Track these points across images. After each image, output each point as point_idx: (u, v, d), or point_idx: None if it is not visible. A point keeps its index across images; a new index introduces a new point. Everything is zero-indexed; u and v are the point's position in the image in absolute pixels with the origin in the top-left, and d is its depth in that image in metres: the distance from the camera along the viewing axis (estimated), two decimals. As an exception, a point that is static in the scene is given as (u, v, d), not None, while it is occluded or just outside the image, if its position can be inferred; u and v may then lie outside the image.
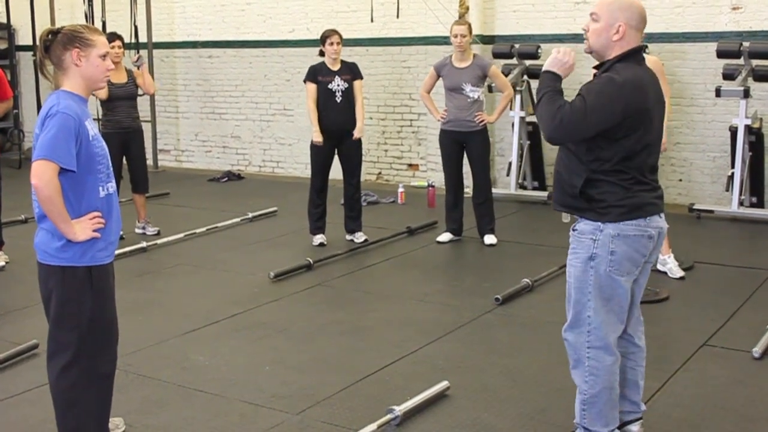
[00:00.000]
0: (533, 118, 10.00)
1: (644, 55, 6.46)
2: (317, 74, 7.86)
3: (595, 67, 3.84)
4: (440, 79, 7.92)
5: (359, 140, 8.04)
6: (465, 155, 7.95)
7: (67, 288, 3.69)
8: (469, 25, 7.86)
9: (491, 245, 7.87)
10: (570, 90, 3.68)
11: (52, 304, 3.74)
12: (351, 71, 7.96)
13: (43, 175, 3.51)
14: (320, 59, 7.94)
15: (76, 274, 3.67)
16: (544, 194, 9.72)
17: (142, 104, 8.61)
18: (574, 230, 3.83)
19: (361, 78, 8.04)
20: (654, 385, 4.74)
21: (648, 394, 4.60)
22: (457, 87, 7.72)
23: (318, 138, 7.81)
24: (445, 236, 8.04)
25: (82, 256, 3.66)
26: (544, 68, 3.77)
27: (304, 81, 7.94)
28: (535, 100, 3.79)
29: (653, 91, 3.76)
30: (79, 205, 3.65)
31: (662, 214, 3.83)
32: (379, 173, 11.38)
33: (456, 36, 7.70)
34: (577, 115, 3.57)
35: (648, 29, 6.83)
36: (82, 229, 3.63)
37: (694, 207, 8.96)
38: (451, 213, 8.06)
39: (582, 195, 3.72)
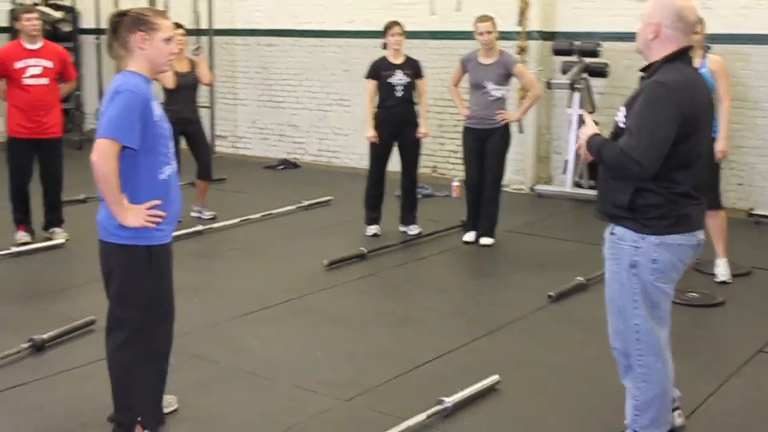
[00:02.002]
0: (592, 117, 9.92)
1: (708, 54, 6.42)
2: (379, 69, 7.86)
3: (641, 70, 3.75)
4: (466, 73, 7.80)
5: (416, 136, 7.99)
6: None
7: (126, 266, 3.76)
8: (493, 21, 7.63)
9: (486, 246, 7.72)
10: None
11: (112, 282, 3.82)
12: (413, 68, 7.94)
13: (102, 152, 3.57)
14: (382, 53, 7.95)
15: (136, 252, 3.73)
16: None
17: (201, 90, 8.69)
18: (612, 234, 3.73)
19: (423, 76, 8.01)
20: (707, 390, 4.69)
21: (700, 399, 4.57)
22: (480, 84, 7.60)
23: (371, 133, 7.83)
24: (471, 235, 7.83)
25: (142, 235, 3.72)
26: (584, 139, 3.71)
27: (365, 77, 7.95)
28: (602, 161, 3.67)
29: (703, 95, 3.67)
30: (139, 185, 3.70)
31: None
32: (435, 167, 11.37)
33: (482, 33, 7.54)
34: (643, 142, 3.45)
35: (711, 30, 6.82)
36: (135, 215, 3.67)
37: (754, 212, 8.83)
38: (476, 213, 7.83)
39: (628, 204, 3.62)
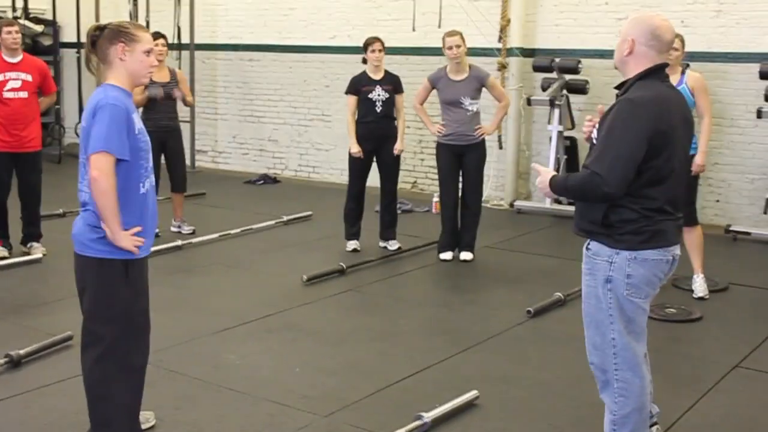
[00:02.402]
0: (570, 133, 9.99)
1: (688, 71, 6.47)
2: (359, 85, 7.88)
3: (616, 87, 3.76)
4: (434, 91, 7.78)
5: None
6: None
7: (102, 280, 3.74)
8: (462, 35, 7.61)
9: (466, 261, 7.75)
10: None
11: (87, 296, 3.79)
12: (393, 83, 7.96)
13: (101, 167, 3.56)
14: (362, 68, 7.97)
15: (112, 266, 3.71)
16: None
17: (182, 104, 8.69)
18: (588, 249, 3.74)
19: (402, 92, 8.03)
20: (685, 404, 4.72)
21: (678, 413, 4.59)
22: (456, 101, 7.58)
23: (355, 149, 7.84)
24: (448, 254, 7.83)
25: (118, 250, 3.69)
26: (549, 184, 3.72)
27: (346, 93, 7.97)
28: (572, 194, 3.73)
29: (678, 111, 3.67)
30: (120, 199, 3.66)
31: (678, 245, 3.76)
32: (415, 182, 11.39)
33: (451, 48, 7.52)
34: (609, 161, 3.47)
35: (690, 48, 6.89)
36: (126, 236, 3.66)
37: (731, 228, 8.89)
38: (453, 229, 7.85)
39: (602, 220, 3.62)
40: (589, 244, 3.74)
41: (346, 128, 8.05)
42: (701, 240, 6.71)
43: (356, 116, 7.93)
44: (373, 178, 8.16)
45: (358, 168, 7.98)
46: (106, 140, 3.56)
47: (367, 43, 7.91)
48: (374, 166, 8.12)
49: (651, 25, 3.64)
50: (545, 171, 3.78)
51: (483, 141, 7.76)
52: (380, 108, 7.84)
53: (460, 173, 7.83)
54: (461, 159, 7.76)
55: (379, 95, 7.83)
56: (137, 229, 3.71)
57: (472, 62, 7.89)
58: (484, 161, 7.88)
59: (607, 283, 3.66)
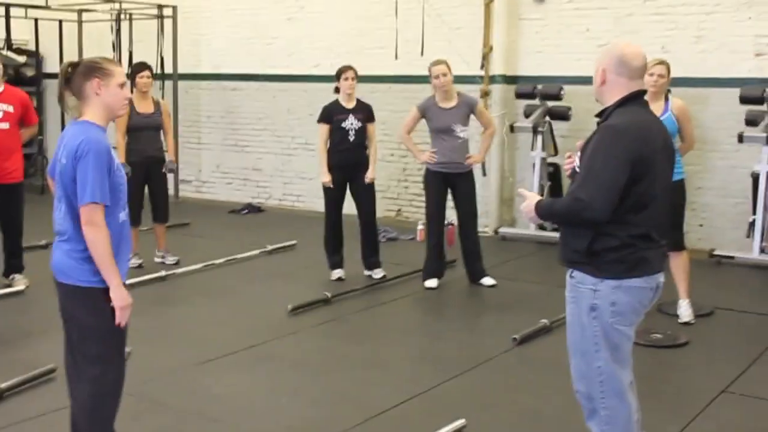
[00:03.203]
0: (554, 159, 10.02)
1: (671, 97, 6.52)
2: (332, 114, 7.88)
3: (597, 115, 3.79)
4: (423, 120, 7.81)
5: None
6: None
7: (84, 306, 3.76)
8: (447, 64, 7.66)
9: (492, 286, 7.80)
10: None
11: (73, 323, 3.81)
12: (365, 112, 7.97)
13: (93, 221, 3.62)
14: (334, 97, 7.98)
15: (93, 292, 3.73)
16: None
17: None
18: (572, 277, 3.73)
19: (374, 121, 8.05)
20: (673, 430, 4.71)
21: (666, 439, 4.57)
22: (447, 128, 7.60)
23: (326, 179, 7.85)
24: (433, 282, 7.82)
25: (97, 276, 3.71)
26: (535, 209, 3.72)
27: (318, 121, 7.97)
28: (558, 219, 3.84)
29: (659, 137, 3.68)
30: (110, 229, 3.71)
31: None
32: (399, 210, 11.39)
33: (437, 77, 7.56)
34: (592, 186, 3.49)
35: (671, 74, 6.90)
36: (123, 296, 3.71)
37: (715, 252, 8.92)
38: (438, 257, 7.89)
39: (586, 249, 3.62)
40: (572, 272, 3.73)
41: (317, 157, 8.03)
42: (687, 265, 6.72)
43: (328, 145, 7.93)
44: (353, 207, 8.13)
45: (332, 197, 7.98)
46: (97, 190, 3.62)
47: (340, 72, 7.91)
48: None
49: (618, 53, 3.68)
50: (531, 195, 3.79)
51: (472, 170, 7.81)
52: (353, 137, 7.85)
53: (455, 204, 7.87)
54: (451, 188, 7.79)
55: (352, 124, 7.84)
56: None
57: (458, 89, 7.90)
58: (475, 190, 7.94)
59: (592, 311, 3.65)
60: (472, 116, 7.81)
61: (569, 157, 3.88)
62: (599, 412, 3.76)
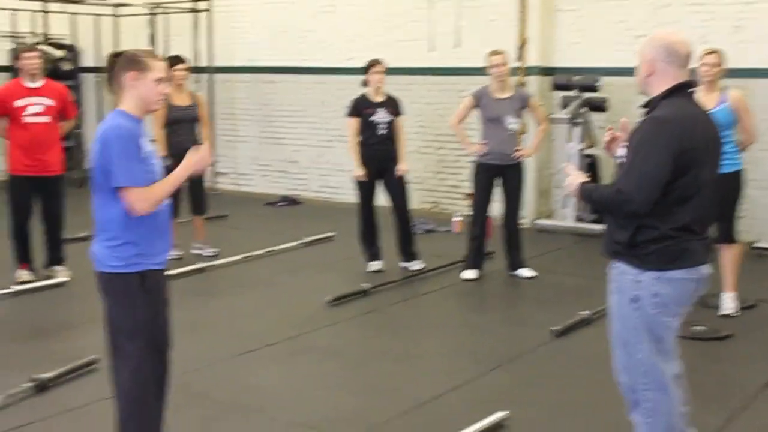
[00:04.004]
0: (591, 151, 9.96)
1: (729, 90, 6.42)
2: (360, 107, 7.88)
3: (642, 106, 3.76)
4: (475, 109, 7.80)
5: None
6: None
7: (120, 294, 3.80)
8: (505, 54, 7.69)
9: (531, 278, 7.79)
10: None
11: (110, 311, 3.85)
12: (394, 106, 7.97)
13: (133, 199, 3.69)
14: (362, 90, 7.97)
15: (129, 280, 3.78)
16: (601, 228, 9.62)
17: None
18: (614, 268, 3.72)
19: (402, 114, 8.05)
20: (716, 424, 4.66)
21: (709, 433, 4.53)
22: (499, 118, 7.61)
23: (359, 173, 7.85)
24: (472, 273, 7.83)
25: (135, 264, 3.77)
26: (574, 189, 3.75)
27: (347, 115, 7.97)
28: (594, 204, 3.82)
29: (703, 129, 3.64)
30: (136, 217, 3.76)
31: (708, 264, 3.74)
32: (436, 202, 11.37)
33: (496, 66, 7.57)
34: (634, 179, 3.49)
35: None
36: (188, 162, 3.85)
37: (757, 245, 8.81)
38: (479, 249, 7.89)
39: (629, 241, 3.61)
40: (615, 263, 3.71)
41: (349, 151, 8.06)
42: (738, 258, 6.65)
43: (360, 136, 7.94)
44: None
45: (364, 191, 8.00)
46: (119, 176, 3.68)
47: (370, 65, 7.90)
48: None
49: (667, 41, 3.65)
50: (577, 173, 3.80)
51: (521, 162, 7.81)
52: (383, 131, 7.86)
53: (503, 195, 7.86)
54: (499, 179, 7.78)
55: (382, 118, 7.84)
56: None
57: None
58: (523, 183, 7.93)
59: (634, 302, 3.62)
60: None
61: (610, 130, 3.87)
62: (642, 404, 3.73)
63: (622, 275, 3.67)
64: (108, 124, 3.76)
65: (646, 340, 3.65)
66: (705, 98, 6.43)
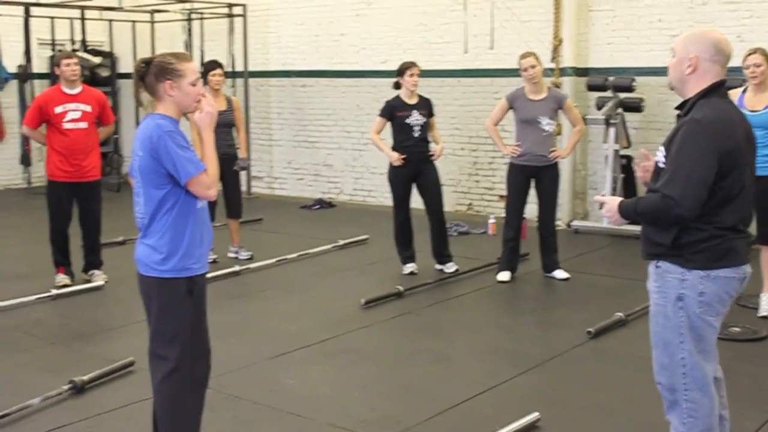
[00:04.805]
0: (626, 151, 9.90)
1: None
2: (394, 110, 7.88)
3: (677, 107, 3.72)
4: (510, 111, 7.77)
5: (436, 173, 7.99)
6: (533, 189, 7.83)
7: (167, 299, 3.84)
8: (536, 56, 7.63)
9: (565, 279, 7.77)
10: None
11: (153, 314, 3.89)
12: (428, 107, 7.98)
13: (201, 186, 3.77)
14: (395, 93, 7.98)
15: (176, 285, 3.82)
16: (637, 228, 9.54)
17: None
18: (658, 267, 3.68)
19: (434, 115, 8.08)
20: (752, 426, 4.61)
21: (745, 434, 4.49)
22: (534, 119, 7.57)
23: (395, 155, 7.84)
24: (506, 275, 7.81)
25: (181, 268, 3.81)
26: (614, 214, 3.69)
27: (380, 115, 7.97)
28: (643, 218, 3.66)
29: (742, 129, 3.61)
30: (183, 214, 3.81)
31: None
32: (470, 204, 11.36)
33: (526, 69, 7.52)
34: (681, 183, 3.43)
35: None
36: (203, 116, 3.89)
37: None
38: (513, 251, 7.85)
39: (672, 242, 3.57)
40: (658, 262, 3.67)
41: (378, 146, 8.06)
42: None
43: (380, 136, 7.99)
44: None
45: (399, 193, 7.99)
46: (185, 168, 3.72)
47: (405, 68, 7.87)
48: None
49: (713, 39, 3.59)
50: (609, 199, 3.74)
51: (557, 164, 7.77)
52: (418, 133, 7.87)
53: (537, 196, 7.83)
54: (534, 181, 7.75)
55: (416, 120, 7.85)
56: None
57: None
58: (558, 184, 7.89)
59: (679, 300, 3.60)
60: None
61: (638, 164, 3.81)
62: (681, 405, 3.70)
63: (666, 273, 3.64)
64: (154, 124, 3.77)
65: (688, 340, 3.62)
66: (754, 99, 6.36)
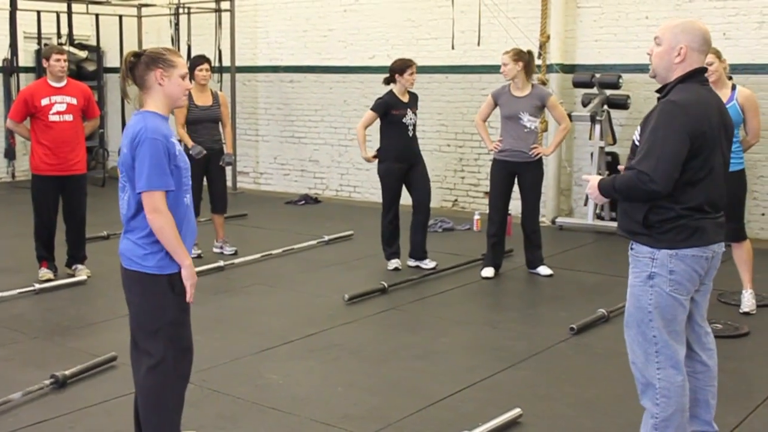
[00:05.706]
0: (612, 148, 9.93)
1: (738, 87, 6.37)
2: (389, 108, 7.85)
3: (657, 91, 3.85)
4: (497, 108, 7.80)
5: (426, 169, 8.03)
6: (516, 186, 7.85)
7: (150, 294, 3.84)
8: (513, 54, 7.56)
9: (549, 276, 7.78)
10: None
11: (136, 309, 3.89)
12: (416, 103, 8.03)
13: (154, 207, 3.71)
14: (384, 89, 7.97)
15: (159, 281, 3.82)
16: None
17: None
18: (632, 249, 3.82)
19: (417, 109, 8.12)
20: (733, 421, 4.64)
21: (727, 430, 4.50)
22: (515, 115, 7.58)
23: (365, 155, 7.98)
24: (490, 271, 7.82)
25: (167, 266, 3.81)
26: (597, 188, 3.83)
27: (372, 109, 7.95)
28: (620, 195, 3.77)
29: (717, 114, 3.74)
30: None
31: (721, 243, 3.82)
32: (455, 200, 11.37)
33: (502, 66, 7.57)
34: (655, 159, 3.56)
35: (733, 60, 6.82)
36: (192, 273, 3.84)
37: (778, 242, 8.76)
38: (496, 247, 7.85)
39: (643, 220, 3.71)
40: (632, 244, 3.81)
41: (359, 141, 8.07)
42: (750, 255, 6.62)
43: (366, 130, 8.03)
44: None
45: (391, 189, 7.99)
46: (154, 177, 3.69)
47: (406, 66, 7.82)
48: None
49: (701, 30, 3.75)
50: (592, 177, 3.90)
51: (540, 161, 7.77)
52: (412, 131, 7.92)
53: (520, 193, 7.84)
54: (516, 178, 7.76)
55: (411, 119, 7.88)
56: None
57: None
58: (541, 181, 7.90)
59: (650, 279, 3.73)
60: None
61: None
62: (654, 386, 3.78)
63: (638, 254, 3.78)
64: (143, 125, 3.75)
65: (659, 318, 3.73)
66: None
